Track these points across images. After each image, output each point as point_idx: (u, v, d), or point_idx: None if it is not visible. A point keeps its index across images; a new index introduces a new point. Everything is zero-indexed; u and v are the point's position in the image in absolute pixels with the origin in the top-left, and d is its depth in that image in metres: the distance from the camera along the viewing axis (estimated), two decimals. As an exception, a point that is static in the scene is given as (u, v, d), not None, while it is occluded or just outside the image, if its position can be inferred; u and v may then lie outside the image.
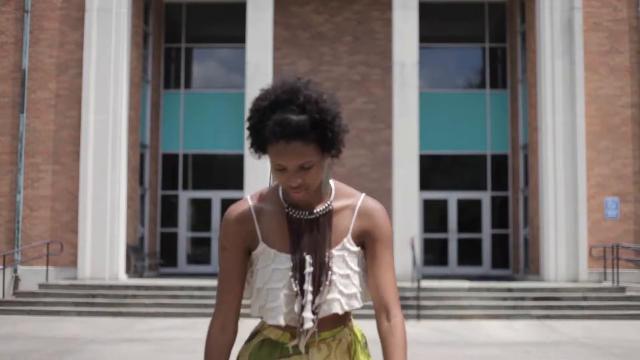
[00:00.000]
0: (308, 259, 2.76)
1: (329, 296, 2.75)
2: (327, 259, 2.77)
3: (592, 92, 21.91)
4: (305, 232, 2.79)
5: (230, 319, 2.84)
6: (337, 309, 2.75)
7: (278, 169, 2.65)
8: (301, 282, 2.75)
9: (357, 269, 2.82)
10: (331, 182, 2.89)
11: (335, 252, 2.79)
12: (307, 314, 2.72)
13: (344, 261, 2.79)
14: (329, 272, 2.76)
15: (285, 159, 2.60)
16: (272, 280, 2.76)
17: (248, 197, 2.87)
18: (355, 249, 2.81)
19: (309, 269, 2.75)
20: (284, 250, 2.78)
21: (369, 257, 2.82)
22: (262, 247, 2.80)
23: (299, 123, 2.57)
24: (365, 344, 2.94)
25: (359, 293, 2.80)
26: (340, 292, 2.76)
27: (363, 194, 2.88)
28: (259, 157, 2.71)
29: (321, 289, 2.74)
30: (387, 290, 2.77)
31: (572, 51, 21.69)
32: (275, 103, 2.60)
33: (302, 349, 2.77)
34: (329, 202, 2.83)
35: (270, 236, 2.80)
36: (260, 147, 2.66)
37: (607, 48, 22.08)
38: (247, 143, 2.70)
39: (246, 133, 2.69)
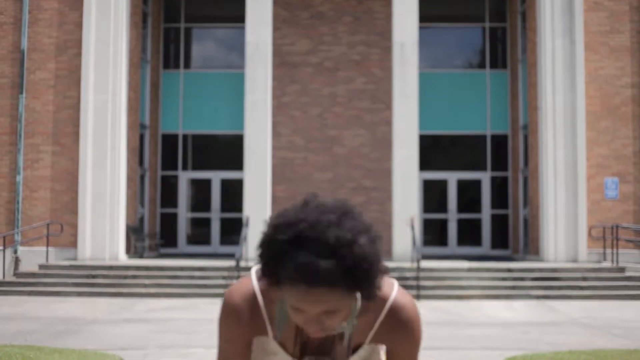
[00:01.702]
0: None
1: None
2: None
3: (592, 72, 21.87)
4: (317, 346, 2.45)
5: None
6: None
7: (295, 309, 2.17)
8: None
9: None
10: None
11: None
12: None
13: None
14: None
15: (304, 305, 2.13)
16: None
17: (254, 280, 2.42)
18: (369, 348, 2.47)
19: None
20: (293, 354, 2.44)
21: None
22: (270, 342, 2.45)
23: (327, 270, 2.07)
24: None
25: None
26: None
27: (392, 295, 2.42)
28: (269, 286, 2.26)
29: None
30: None
31: (572, 31, 21.63)
32: (299, 240, 2.11)
33: None
34: (350, 320, 2.40)
35: (282, 334, 2.43)
36: (273, 280, 2.19)
37: (608, 28, 22.01)
38: (256, 269, 2.26)
39: (257, 259, 2.22)
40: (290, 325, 2.40)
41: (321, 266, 2.07)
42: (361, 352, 2.45)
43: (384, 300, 2.39)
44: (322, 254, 2.08)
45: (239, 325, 2.40)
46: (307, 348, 2.43)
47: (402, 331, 2.41)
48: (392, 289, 2.42)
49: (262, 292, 2.39)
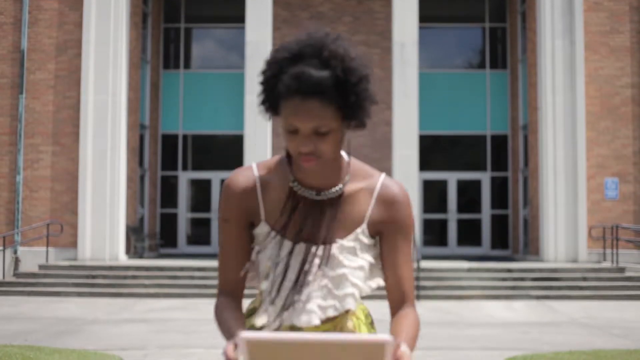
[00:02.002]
0: (312, 248, 2.44)
1: (340, 292, 2.44)
2: (334, 250, 2.45)
3: (592, 72, 21.87)
4: (308, 215, 2.45)
5: (237, 301, 2.51)
6: (351, 305, 2.45)
7: (290, 131, 2.31)
8: (299, 273, 2.43)
9: (365, 263, 2.49)
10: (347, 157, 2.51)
11: (345, 242, 2.46)
12: (312, 306, 2.42)
13: (354, 254, 2.47)
14: (337, 265, 2.44)
15: (298, 119, 2.26)
16: (268, 266, 2.46)
17: (254, 166, 2.53)
18: (370, 241, 2.50)
19: (313, 260, 2.44)
20: (286, 234, 2.46)
21: (387, 248, 2.49)
22: (263, 228, 2.49)
23: (319, 78, 2.25)
24: (371, 323, 2.63)
25: (357, 292, 2.47)
26: (355, 284, 2.45)
27: (382, 175, 2.52)
28: (270, 118, 2.40)
29: (329, 285, 2.44)
30: (405, 283, 2.48)
31: (572, 31, 21.63)
32: (296, 55, 2.30)
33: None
34: (342, 184, 2.47)
35: (274, 216, 2.48)
36: (272, 104, 2.34)
37: (608, 28, 22.01)
38: (258, 100, 2.41)
39: (259, 88, 2.39)
40: (285, 182, 2.49)
41: (314, 75, 2.24)
42: (359, 235, 2.48)
43: (376, 177, 2.51)
44: (315, 65, 2.26)
45: (236, 204, 2.49)
46: (300, 229, 2.46)
47: (394, 209, 2.48)
48: (379, 177, 2.53)
49: (260, 176, 2.51)
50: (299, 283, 2.43)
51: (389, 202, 2.48)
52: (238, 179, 2.50)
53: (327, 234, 2.45)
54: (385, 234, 2.49)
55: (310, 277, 2.44)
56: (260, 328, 2.47)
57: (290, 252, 2.45)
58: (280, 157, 2.54)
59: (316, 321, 2.41)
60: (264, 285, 2.46)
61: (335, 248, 2.45)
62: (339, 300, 2.44)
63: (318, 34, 2.35)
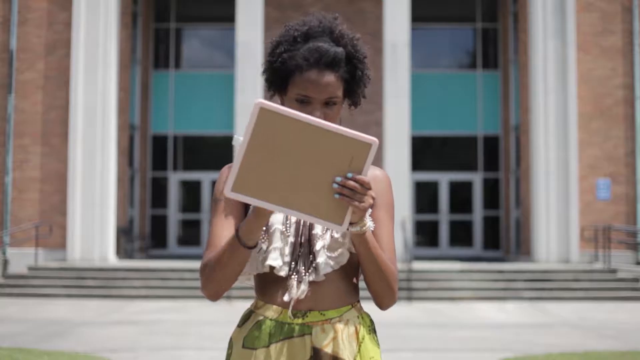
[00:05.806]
0: None
1: (334, 253, 2.53)
2: None
3: (584, 73, 21.84)
4: None
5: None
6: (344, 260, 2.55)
7: (300, 101, 2.48)
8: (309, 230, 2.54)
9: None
10: None
11: None
12: (322, 259, 2.51)
13: None
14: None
15: (314, 89, 2.45)
16: (278, 228, 2.54)
17: None
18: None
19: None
20: None
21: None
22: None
23: (335, 53, 2.46)
24: (374, 330, 2.66)
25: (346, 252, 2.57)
26: (344, 244, 2.55)
27: None
28: (272, 95, 2.58)
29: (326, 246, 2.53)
30: (384, 252, 2.55)
31: (564, 32, 21.60)
32: (309, 34, 2.50)
33: (298, 294, 2.49)
34: None
35: None
36: (281, 79, 2.51)
37: (600, 29, 21.99)
38: (265, 76, 2.57)
39: (266, 65, 2.55)
40: None
41: (330, 50, 2.46)
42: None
43: None
44: (329, 42, 2.49)
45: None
46: None
47: (379, 185, 2.63)
48: None
49: None
50: (309, 242, 2.55)
51: (374, 180, 2.63)
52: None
53: None
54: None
55: (317, 240, 2.54)
56: (273, 268, 2.54)
57: (297, 220, 2.58)
58: None
59: (328, 269, 2.51)
60: (276, 242, 2.53)
61: None
62: (334, 260, 2.54)
63: (326, 17, 2.54)
